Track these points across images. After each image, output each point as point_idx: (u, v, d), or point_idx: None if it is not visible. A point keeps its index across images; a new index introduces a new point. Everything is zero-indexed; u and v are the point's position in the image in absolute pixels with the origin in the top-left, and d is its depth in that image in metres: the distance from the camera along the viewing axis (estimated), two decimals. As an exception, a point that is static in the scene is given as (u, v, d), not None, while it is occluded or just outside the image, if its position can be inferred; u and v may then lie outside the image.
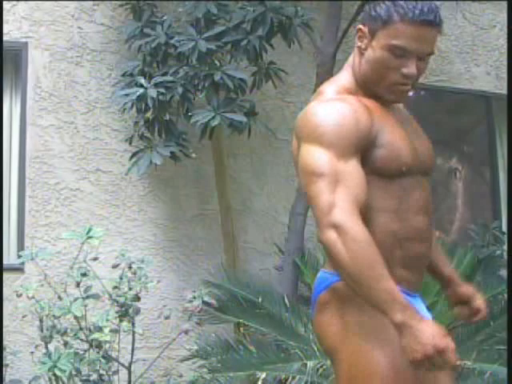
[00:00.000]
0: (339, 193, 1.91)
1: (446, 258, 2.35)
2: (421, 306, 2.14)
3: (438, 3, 2.08)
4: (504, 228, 6.17)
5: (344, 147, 1.96)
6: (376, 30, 2.07)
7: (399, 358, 1.90)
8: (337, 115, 2.00)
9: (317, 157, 1.96)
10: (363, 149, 2.00)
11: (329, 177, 1.93)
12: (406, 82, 2.09)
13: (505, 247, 5.68)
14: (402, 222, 2.06)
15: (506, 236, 5.84)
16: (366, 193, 1.95)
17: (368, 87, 2.12)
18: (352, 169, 1.95)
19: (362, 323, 2.01)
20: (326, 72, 4.99)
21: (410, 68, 2.05)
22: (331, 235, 1.88)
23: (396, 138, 2.06)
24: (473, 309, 2.28)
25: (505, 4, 6.08)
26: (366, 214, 1.96)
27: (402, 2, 2.03)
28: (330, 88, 2.14)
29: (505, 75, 6.49)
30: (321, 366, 3.90)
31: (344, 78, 2.17)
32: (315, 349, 4.00)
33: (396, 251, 2.05)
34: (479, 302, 2.28)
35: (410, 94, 2.16)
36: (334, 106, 2.03)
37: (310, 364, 3.87)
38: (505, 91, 5.84)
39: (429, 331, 1.81)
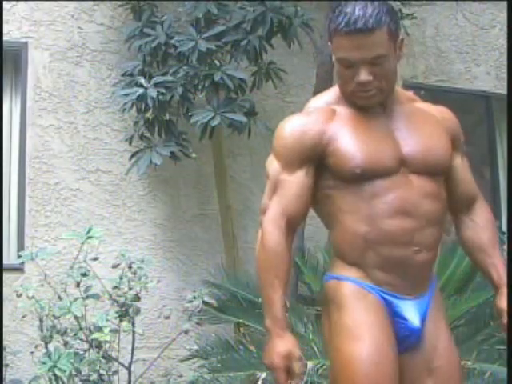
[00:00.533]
0: (273, 200, 2.15)
1: (500, 263, 2.29)
2: (409, 309, 2.17)
3: (375, 4, 2.11)
4: (504, 228, 6.17)
5: (289, 159, 2.16)
6: (331, 46, 2.21)
7: (373, 353, 2.05)
8: (289, 129, 2.20)
9: (271, 163, 2.21)
10: (315, 158, 2.15)
11: (272, 184, 2.17)
12: (364, 89, 2.15)
13: (505, 247, 5.67)
14: (371, 225, 2.12)
15: (506, 236, 5.83)
16: (299, 204, 2.13)
17: (345, 97, 2.23)
18: (293, 180, 2.14)
19: (340, 322, 2.12)
20: (326, 72, 4.99)
21: (361, 76, 2.12)
22: (258, 234, 2.19)
23: (350, 144, 2.14)
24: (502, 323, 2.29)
25: (505, 4, 6.08)
26: (337, 216, 2.15)
27: (336, 15, 2.14)
28: (312, 101, 2.30)
29: (505, 75, 6.49)
30: (321, 366, 3.90)
31: (331, 89, 2.30)
32: (315, 349, 4.00)
33: (368, 254, 2.13)
34: (503, 319, 2.28)
35: (372, 96, 2.18)
36: (293, 120, 2.22)
37: (309, 364, 3.87)
38: (505, 91, 5.84)
39: (277, 348, 2.04)
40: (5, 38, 5.16)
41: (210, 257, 5.46)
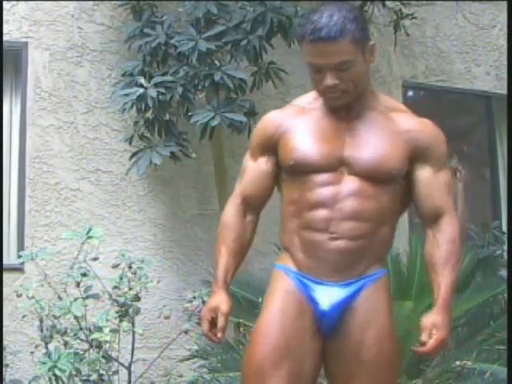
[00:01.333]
0: (238, 183, 2.49)
1: (445, 283, 2.29)
2: (323, 294, 2.30)
3: (338, 16, 2.22)
4: (504, 228, 6.17)
5: (253, 148, 2.47)
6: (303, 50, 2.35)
7: (271, 320, 2.33)
8: (259, 123, 2.51)
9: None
10: (272, 149, 2.41)
11: (242, 169, 2.51)
12: (331, 92, 2.30)
13: (505, 247, 5.67)
14: (300, 212, 2.35)
15: (506, 236, 5.83)
16: (255, 187, 2.43)
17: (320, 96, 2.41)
18: (254, 166, 2.45)
19: (262, 305, 2.44)
20: (326, 72, 4.99)
21: (326, 80, 2.28)
22: None
23: (296, 139, 2.36)
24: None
25: (505, 4, 6.08)
26: (283, 205, 2.42)
27: (305, 22, 2.30)
28: (295, 99, 2.53)
29: (505, 75, 6.49)
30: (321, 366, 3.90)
31: (313, 91, 2.45)
32: (315, 349, 3.99)
33: (295, 238, 2.37)
34: (422, 336, 2.26)
35: (335, 98, 2.32)
36: (265, 115, 2.51)
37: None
38: (505, 91, 5.84)
39: (209, 302, 2.38)
40: (5, 38, 5.16)
41: (209, 257, 5.45)
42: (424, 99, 6.77)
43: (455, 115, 6.85)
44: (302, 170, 2.33)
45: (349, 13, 2.26)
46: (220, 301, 2.35)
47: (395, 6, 5.77)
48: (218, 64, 4.88)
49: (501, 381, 3.75)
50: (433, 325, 2.23)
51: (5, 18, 5.17)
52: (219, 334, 2.32)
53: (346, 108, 2.35)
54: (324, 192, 2.31)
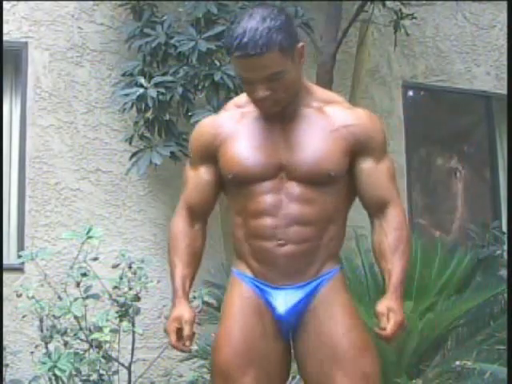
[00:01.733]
0: (182, 193, 2.46)
1: (396, 270, 2.29)
2: (278, 298, 2.31)
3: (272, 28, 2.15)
4: (504, 228, 6.17)
5: (193, 157, 2.44)
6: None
7: (231, 326, 2.36)
8: (195, 129, 2.46)
9: None
10: (211, 157, 2.37)
11: (183, 179, 2.47)
12: (261, 103, 2.26)
13: (505, 247, 5.67)
14: (246, 221, 2.34)
15: (506, 236, 5.83)
16: (198, 196, 2.41)
17: None
18: (194, 175, 2.41)
19: (221, 309, 2.48)
20: (326, 72, 4.99)
21: (256, 93, 2.23)
22: None
23: (233, 149, 2.32)
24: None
25: (505, 4, 6.08)
26: (231, 213, 2.41)
27: (230, 35, 2.21)
28: (234, 99, 2.50)
29: (505, 75, 6.49)
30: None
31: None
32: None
33: (246, 246, 2.36)
34: (381, 323, 2.24)
35: (271, 107, 2.27)
36: (201, 121, 2.49)
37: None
38: (505, 91, 5.84)
39: (171, 314, 2.34)
40: (5, 37, 5.16)
41: (209, 257, 5.43)
42: (424, 99, 6.77)
43: (455, 115, 6.86)
44: (242, 182, 2.31)
45: (274, 21, 2.16)
46: (182, 310, 2.33)
47: (395, 5, 5.77)
48: (218, 64, 4.88)
49: (501, 381, 3.75)
50: (388, 309, 2.21)
51: (5, 18, 5.18)
52: (187, 343, 2.32)
53: (279, 110, 2.30)
54: (267, 200, 2.29)
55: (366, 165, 2.33)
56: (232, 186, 2.36)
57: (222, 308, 2.44)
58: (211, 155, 2.37)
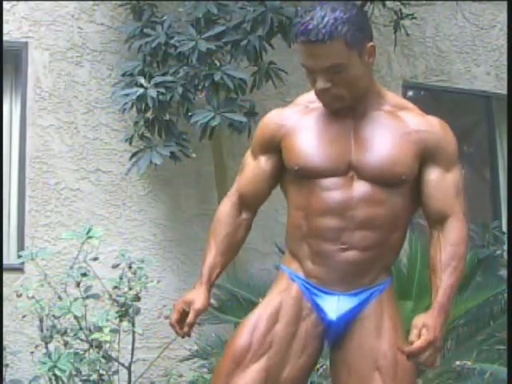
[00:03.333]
0: (237, 179, 2.46)
1: (443, 287, 2.21)
2: (330, 303, 2.26)
3: (334, 17, 2.14)
4: (504, 228, 6.17)
5: (255, 145, 2.40)
6: None
7: (260, 316, 2.28)
8: (262, 120, 2.43)
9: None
10: (274, 148, 2.33)
11: (241, 166, 2.46)
12: (322, 95, 2.23)
13: (505, 247, 5.67)
14: (307, 221, 2.28)
15: (506, 236, 5.83)
16: (252, 185, 2.38)
17: None
18: (253, 164, 2.38)
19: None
20: (326, 72, 4.98)
21: (317, 83, 2.20)
22: None
23: (300, 141, 2.28)
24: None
25: (505, 4, 6.09)
26: (289, 209, 2.36)
27: (298, 22, 2.24)
28: (300, 96, 2.44)
29: (505, 75, 6.49)
30: (321, 366, 3.90)
31: None
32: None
33: (303, 246, 2.31)
34: (411, 336, 2.17)
35: (331, 103, 2.25)
36: (268, 113, 2.43)
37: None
38: (505, 91, 5.84)
39: (186, 295, 2.34)
40: (5, 37, 5.16)
41: (210, 257, 5.45)
42: (424, 99, 6.77)
43: (455, 115, 6.85)
44: (308, 175, 2.25)
45: (343, 13, 2.14)
46: (197, 296, 2.31)
47: (395, 6, 5.77)
48: (218, 64, 4.88)
49: (501, 381, 3.75)
50: (423, 324, 2.13)
51: (5, 18, 5.17)
52: (185, 329, 2.29)
53: (349, 109, 2.26)
54: (335, 198, 2.23)
55: (433, 174, 2.28)
56: (296, 179, 2.29)
57: (264, 296, 2.37)
58: (274, 146, 2.33)
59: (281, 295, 2.31)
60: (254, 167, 2.38)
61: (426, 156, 2.27)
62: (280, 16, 4.91)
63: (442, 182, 2.29)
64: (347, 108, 2.26)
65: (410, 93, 6.55)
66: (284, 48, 5.20)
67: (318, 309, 2.27)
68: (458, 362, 3.95)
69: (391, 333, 2.28)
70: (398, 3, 5.76)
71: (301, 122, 2.31)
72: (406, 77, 6.31)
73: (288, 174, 2.32)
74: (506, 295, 4.30)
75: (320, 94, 2.23)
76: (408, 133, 2.26)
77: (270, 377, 2.23)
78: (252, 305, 4.62)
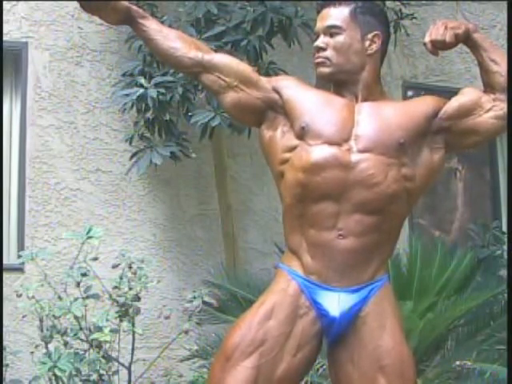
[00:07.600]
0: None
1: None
2: (330, 300, 2.26)
3: None
4: (504, 228, 6.17)
5: (265, 79, 2.46)
6: None
7: (255, 315, 2.30)
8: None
9: None
10: (272, 98, 2.39)
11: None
12: (317, 55, 2.38)
13: (505, 247, 5.68)
14: (303, 203, 2.28)
15: (505, 236, 5.84)
16: (225, 63, 2.41)
17: None
18: (250, 71, 2.44)
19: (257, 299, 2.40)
20: (326, 72, 4.98)
21: (316, 41, 2.38)
22: None
23: (309, 102, 2.34)
24: None
25: (505, 4, 6.08)
26: (284, 205, 2.35)
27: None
28: None
29: (505, 75, 6.49)
30: (321, 366, 3.91)
31: None
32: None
33: (301, 240, 2.30)
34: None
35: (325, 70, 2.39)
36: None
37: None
38: (505, 91, 5.83)
39: None
40: (5, 37, 5.16)
41: (209, 257, 5.46)
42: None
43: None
44: (312, 134, 2.29)
45: (363, 2, 2.37)
46: None
47: (395, 6, 5.77)
48: (217, 64, 4.88)
49: (501, 381, 3.75)
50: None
51: (5, 17, 5.17)
52: None
53: (353, 95, 2.37)
54: (327, 178, 2.25)
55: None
56: (298, 139, 2.31)
57: (261, 294, 2.38)
58: (275, 97, 2.39)
59: (277, 294, 2.31)
60: (244, 68, 2.43)
61: (445, 109, 2.45)
62: (280, 16, 4.91)
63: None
64: (351, 94, 2.37)
65: (410, 93, 6.54)
66: (284, 48, 5.20)
67: (318, 307, 2.28)
68: (457, 362, 3.95)
69: (394, 331, 2.29)
70: (398, 3, 5.76)
71: (309, 91, 2.42)
72: (406, 77, 6.31)
73: (286, 150, 2.35)
74: (505, 295, 4.31)
75: (316, 54, 2.38)
76: (408, 103, 2.53)
77: (262, 375, 2.23)
78: (252, 305, 4.63)
